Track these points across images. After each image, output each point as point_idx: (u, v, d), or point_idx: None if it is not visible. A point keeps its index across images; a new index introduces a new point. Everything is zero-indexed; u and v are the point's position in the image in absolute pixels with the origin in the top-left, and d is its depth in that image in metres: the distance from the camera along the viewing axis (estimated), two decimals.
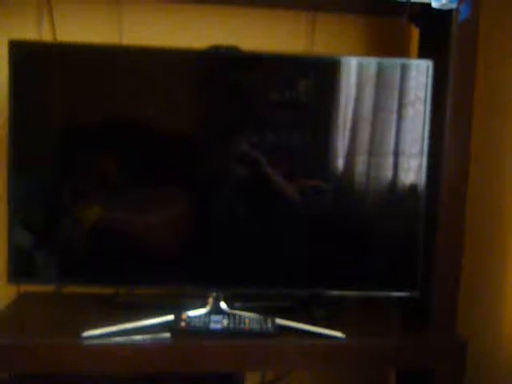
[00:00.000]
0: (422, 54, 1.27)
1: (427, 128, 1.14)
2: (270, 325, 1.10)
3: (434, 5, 1.08)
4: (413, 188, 1.15)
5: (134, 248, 1.15)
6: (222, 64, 1.14)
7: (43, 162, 1.14)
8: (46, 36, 1.28)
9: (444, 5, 1.07)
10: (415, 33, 1.32)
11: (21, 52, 1.09)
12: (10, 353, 1.04)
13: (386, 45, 1.40)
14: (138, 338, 1.05)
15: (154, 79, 1.12)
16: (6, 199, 1.11)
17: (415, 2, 1.10)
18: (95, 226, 1.14)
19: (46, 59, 1.11)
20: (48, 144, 1.13)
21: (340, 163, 1.15)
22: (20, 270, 1.13)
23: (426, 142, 1.14)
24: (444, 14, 1.10)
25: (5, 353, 1.03)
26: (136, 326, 1.07)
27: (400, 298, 1.21)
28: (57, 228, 1.14)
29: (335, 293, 1.19)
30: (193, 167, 1.15)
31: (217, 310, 1.14)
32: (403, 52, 1.40)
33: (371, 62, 1.13)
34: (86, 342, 1.03)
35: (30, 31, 1.27)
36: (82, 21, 1.29)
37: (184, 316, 1.11)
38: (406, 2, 1.08)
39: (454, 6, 1.07)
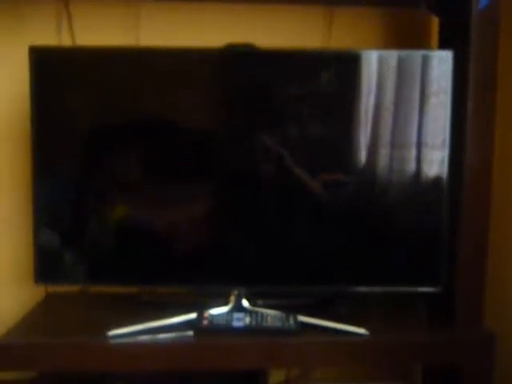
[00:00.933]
0: (443, 44, 1.24)
1: (447, 119, 1.12)
2: (292, 322, 1.09)
3: None
4: (436, 180, 1.14)
5: (158, 247, 1.16)
6: (239, 62, 1.14)
7: (66, 164, 1.16)
8: (65, 40, 1.30)
9: None
10: (435, 22, 1.29)
11: (41, 57, 1.11)
12: (39, 352, 1.06)
13: (405, 36, 1.37)
14: (161, 336, 1.06)
15: (172, 79, 1.12)
16: (31, 201, 1.14)
17: None
18: (120, 226, 1.16)
19: (66, 64, 1.14)
20: (70, 145, 1.16)
21: (363, 156, 1.14)
22: (47, 271, 1.16)
23: (448, 133, 1.12)
24: (463, 2, 1.08)
25: (34, 352, 1.06)
26: (159, 324, 1.08)
27: (424, 292, 1.19)
28: (82, 228, 1.16)
29: (358, 289, 1.18)
30: (215, 164, 1.16)
31: (239, 308, 1.14)
32: (423, 42, 1.37)
33: (392, 55, 1.12)
34: (112, 341, 1.05)
35: (50, 36, 1.29)
36: (100, 24, 1.31)
37: (206, 314, 1.11)
38: None
39: None
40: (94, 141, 1.15)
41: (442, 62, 1.11)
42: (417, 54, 1.12)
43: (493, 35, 1.08)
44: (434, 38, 1.30)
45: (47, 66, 1.12)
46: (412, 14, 1.35)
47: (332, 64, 1.13)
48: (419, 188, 1.15)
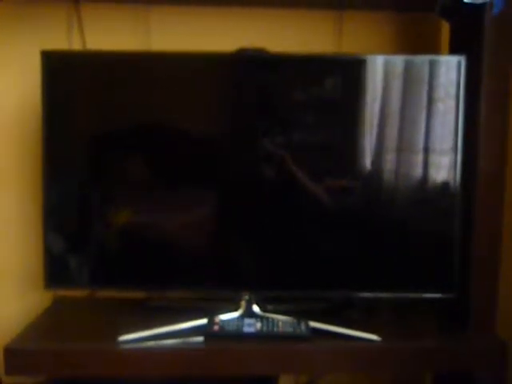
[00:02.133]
0: (453, 50, 1.23)
1: (460, 124, 1.11)
2: (303, 328, 1.08)
3: None
4: (446, 185, 1.13)
5: (166, 251, 1.16)
6: (249, 66, 1.14)
7: (77, 168, 1.15)
8: (76, 45, 1.30)
9: None
10: (445, 28, 1.29)
11: (53, 61, 1.11)
12: (49, 357, 1.05)
13: (416, 41, 1.37)
14: (172, 342, 1.05)
15: (182, 83, 1.12)
16: (39, 205, 1.14)
17: None
18: (127, 230, 1.15)
19: (78, 68, 1.14)
20: (80, 149, 1.15)
21: (373, 162, 1.13)
22: (57, 276, 1.15)
23: (460, 138, 1.11)
24: (476, 8, 1.07)
25: (44, 357, 1.05)
26: (170, 330, 1.07)
27: (437, 299, 1.18)
28: (92, 233, 1.16)
29: (369, 295, 1.17)
30: (222, 168, 1.16)
31: (249, 314, 1.13)
32: (433, 48, 1.37)
33: (399, 60, 1.12)
34: (122, 347, 1.04)
35: (60, 40, 1.29)
36: (111, 28, 1.30)
37: (217, 320, 1.10)
38: None
39: None
40: (103, 146, 1.15)
41: (450, 67, 1.11)
42: (425, 59, 1.12)
43: (507, 40, 1.07)
44: (445, 43, 1.30)
45: (59, 70, 1.12)
46: (423, 19, 1.35)
47: (339, 68, 1.13)
48: (431, 193, 1.14)
